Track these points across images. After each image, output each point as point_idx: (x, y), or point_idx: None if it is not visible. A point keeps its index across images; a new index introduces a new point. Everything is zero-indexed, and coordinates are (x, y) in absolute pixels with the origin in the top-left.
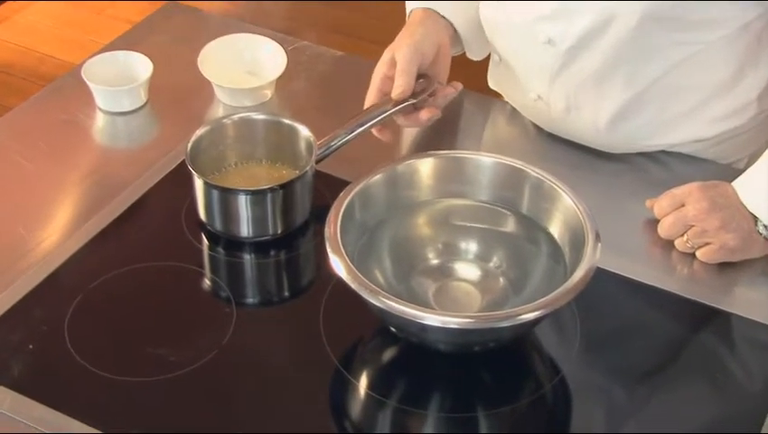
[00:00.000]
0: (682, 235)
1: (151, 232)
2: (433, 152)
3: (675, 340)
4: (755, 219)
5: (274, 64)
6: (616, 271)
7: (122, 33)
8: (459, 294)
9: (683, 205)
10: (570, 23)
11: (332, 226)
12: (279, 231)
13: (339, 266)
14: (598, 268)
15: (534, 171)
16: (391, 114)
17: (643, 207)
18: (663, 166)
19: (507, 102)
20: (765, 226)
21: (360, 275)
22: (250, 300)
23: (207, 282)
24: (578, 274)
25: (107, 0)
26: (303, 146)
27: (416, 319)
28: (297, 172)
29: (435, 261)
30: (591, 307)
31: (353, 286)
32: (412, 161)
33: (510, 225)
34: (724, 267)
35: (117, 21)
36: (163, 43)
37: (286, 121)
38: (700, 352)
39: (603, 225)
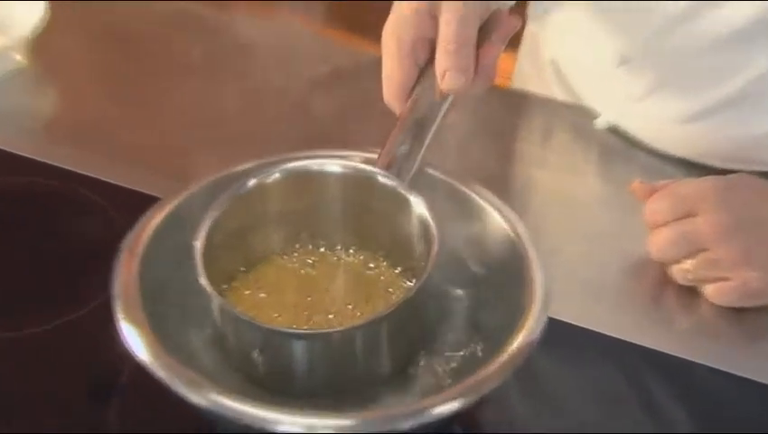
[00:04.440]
0: (682, 261)
1: None
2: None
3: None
4: None
5: (26, 17)
6: (574, 322)
7: None
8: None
9: (691, 215)
10: None
11: (126, 272)
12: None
13: (136, 341)
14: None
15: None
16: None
17: (616, 228)
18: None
19: None
20: None
21: (170, 358)
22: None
23: None
24: (519, 337)
25: None
26: (413, 224)
27: (267, 425)
28: (396, 269)
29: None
30: (537, 377)
31: (161, 375)
32: (252, 172)
33: None
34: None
35: None
36: None
37: (383, 181)
38: None
39: (552, 246)
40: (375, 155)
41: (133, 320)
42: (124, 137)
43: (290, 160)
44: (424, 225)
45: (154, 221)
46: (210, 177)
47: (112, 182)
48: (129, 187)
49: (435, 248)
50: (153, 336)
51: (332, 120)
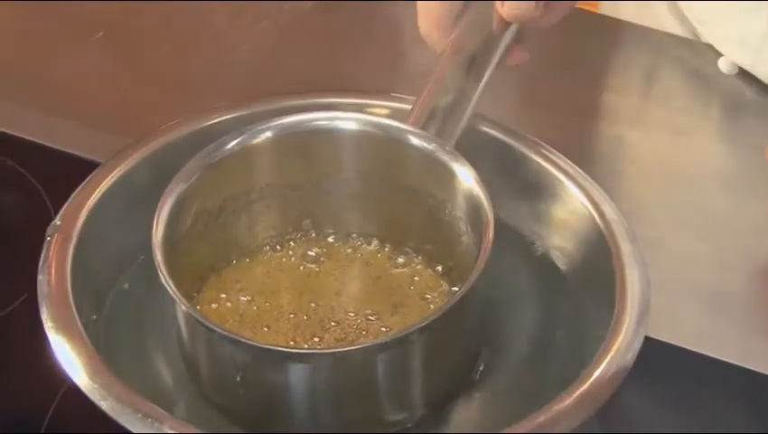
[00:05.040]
0: None
1: None
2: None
3: None
4: None
5: None
6: (682, 345)
7: None
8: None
9: None
10: None
11: (56, 264)
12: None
13: (68, 357)
14: (648, 340)
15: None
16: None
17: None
18: None
19: None
20: None
21: (116, 382)
22: None
23: None
24: (605, 361)
25: None
26: (458, 201)
27: None
28: (435, 267)
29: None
30: (629, 417)
31: (104, 406)
32: (231, 128)
33: None
34: None
35: None
36: None
37: (418, 143)
38: None
39: (653, 239)
40: (407, 106)
41: (65, 329)
42: (49, 82)
43: (285, 112)
44: (474, 205)
45: (93, 194)
46: (171, 133)
47: (35, 141)
48: (58, 148)
49: (490, 237)
50: (92, 352)
51: (342, 55)
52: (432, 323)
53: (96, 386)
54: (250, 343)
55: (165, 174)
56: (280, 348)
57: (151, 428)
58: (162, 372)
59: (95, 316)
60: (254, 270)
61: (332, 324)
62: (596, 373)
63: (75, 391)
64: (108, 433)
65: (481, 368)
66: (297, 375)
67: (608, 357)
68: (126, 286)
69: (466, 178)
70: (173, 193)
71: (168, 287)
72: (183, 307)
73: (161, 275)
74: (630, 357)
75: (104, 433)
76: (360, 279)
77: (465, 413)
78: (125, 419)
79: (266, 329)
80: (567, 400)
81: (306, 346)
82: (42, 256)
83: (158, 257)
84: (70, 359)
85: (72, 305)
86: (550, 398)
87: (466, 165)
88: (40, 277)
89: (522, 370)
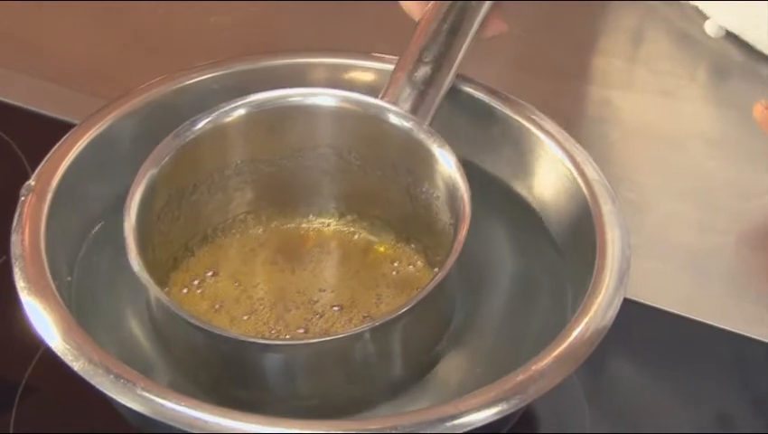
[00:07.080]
0: None
1: None
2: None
3: None
4: None
5: None
6: (665, 307)
7: None
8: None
9: None
10: None
11: (30, 225)
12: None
13: (42, 319)
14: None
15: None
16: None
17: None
18: None
19: None
20: None
21: (92, 345)
22: None
23: None
24: (583, 322)
25: None
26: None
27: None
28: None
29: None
30: (608, 380)
31: (78, 368)
32: (210, 88)
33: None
34: None
35: None
36: None
37: (399, 122)
38: None
39: (637, 202)
40: (389, 66)
41: (37, 290)
42: (33, 44)
43: (268, 72)
44: (451, 187)
45: (68, 153)
46: (149, 92)
47: (15, 104)
48: (40, 112)
49: (464, 229)
50: (65, 313)
51: (329, 19)
52: (406, 312)
53: (68, 347)
54: (226, 334)
55: (144, 132)
56: (260, 340)
57: (123, 389)
58: (136, 335)
59: (69, 278)
60: (228, 252)
61: (313, 310)
62: (576, 332)
63: (50, 355)
64: (84, 398)
65: (459, 329)
66: (275, 365)
67: (587, 316)
68: (102, 246)
69: (444, 160)
70: (145, 177)
71: (141, 277)
72: (156, 294)
73: (133, 264)
74: (610, 316)
75: (78, 398)
76: (341, 263)
77: (445, 375)
78: (97, 381)
79: (243, 317)
80: (546, 360)
81: (287, 337)
82: (16, 216)
83: (130, 244)
84: (42, 319)
85: (46, 266)
86: (529, 357)
87: (445, 146)
88: (13, 237)
89: (501, 329)
